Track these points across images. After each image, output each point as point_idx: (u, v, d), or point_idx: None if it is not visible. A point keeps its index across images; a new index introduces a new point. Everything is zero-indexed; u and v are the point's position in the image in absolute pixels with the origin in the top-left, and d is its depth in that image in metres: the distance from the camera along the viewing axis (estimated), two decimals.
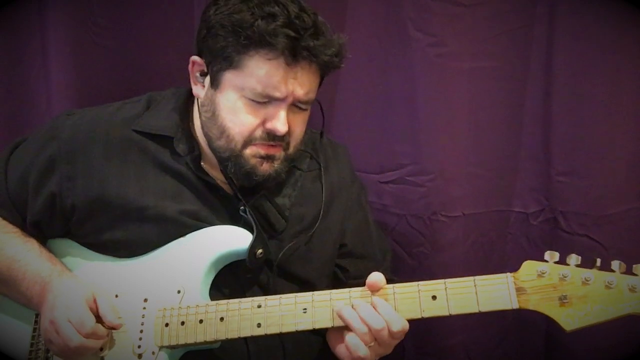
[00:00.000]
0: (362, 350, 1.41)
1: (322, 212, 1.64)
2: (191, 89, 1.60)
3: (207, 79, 1.54)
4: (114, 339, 1.51)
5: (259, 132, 1.51)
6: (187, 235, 1.56)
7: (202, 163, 1.60)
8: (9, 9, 1.98)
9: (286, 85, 1.47)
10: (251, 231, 1.54)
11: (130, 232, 1.56)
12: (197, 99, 1.60)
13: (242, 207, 1.56)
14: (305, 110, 1.55)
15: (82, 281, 1.54)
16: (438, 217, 1.98)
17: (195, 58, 1.56)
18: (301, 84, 1.48)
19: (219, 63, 1.49)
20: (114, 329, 1.50)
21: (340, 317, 1.43)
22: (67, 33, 2.00)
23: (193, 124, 1.63)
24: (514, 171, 1.98)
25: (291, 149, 1.56)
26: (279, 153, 1.54)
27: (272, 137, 1.51)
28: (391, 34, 1.94)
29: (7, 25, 2.01)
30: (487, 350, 2.04)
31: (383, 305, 1.42)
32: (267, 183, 1.57)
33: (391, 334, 1.41)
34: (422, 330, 2.02)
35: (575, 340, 1.95)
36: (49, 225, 1.63)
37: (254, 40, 1.43)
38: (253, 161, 1.52)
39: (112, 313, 1.49)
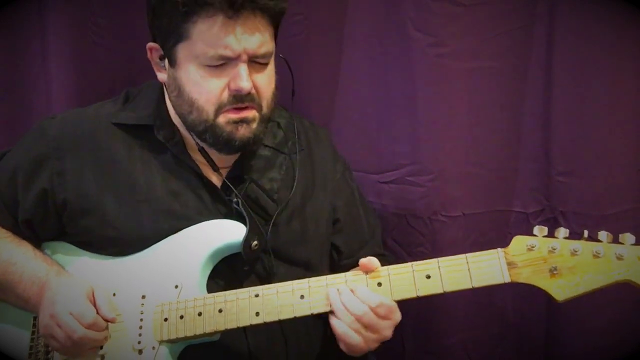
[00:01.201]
0: (353, 337, 1.41)
1: (293, 189, 1.64)
2: None
3: (166, 60, 1.55)
4: (113, 336, 1.52)
5: (225, 96, 1.50)
6: (182, 231, 1.56)
7: (187, 150, 1.62)
8: (9, 9, 1.98)
9: (236, 41, 1.45)
10: (244, 222, 1.55)
11: (123, 226, 1.57)
12: (164, 85, 1.61)
13: (235, 200, 1.57)
14: (266, 64, 1.54)
15: (80, 278, 1.55)
16: (438, 217, 1.98)
17: (151, 44, 1.57)
18: (250, 36, 1.46)
19: (170, 40, 1.50)
20: (109, 322, 1.50)
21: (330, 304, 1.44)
22: (67, 33, 2.00)
23: (169, 112, 1.63)
24: (514, 171, 1.98)
25: (264, 109, 1.55)
26: (252, 114, 1.53)
27: (240, 99, 1.50)
28: (391, 34, 1.94)
29: (7, 26, 2.01)
30: (487, 350, 2.04)
31: (360, 288, 1.43)
32: (248, 148, 1.57)
33: (377, 314, 1.41)
34: (422, 329, 2.03)
35: (575, 340, 1.95)
36: (42, 224, 1.63)
37: (191, 6, 1.43)
38: (228, 128, 1.52)
39: (108, 306, 1.50)
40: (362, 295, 1.42)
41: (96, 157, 1.60)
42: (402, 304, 2.00)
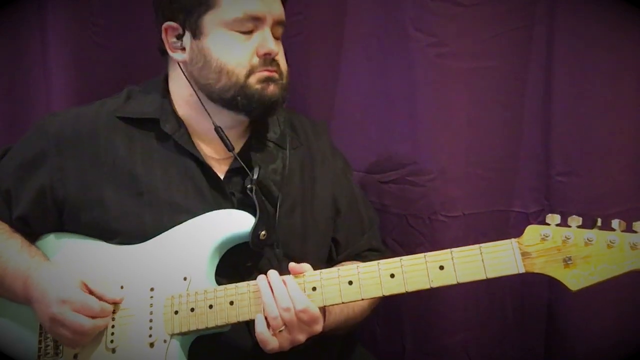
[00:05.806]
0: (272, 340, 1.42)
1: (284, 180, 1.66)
2: (166, 75, 1.66)
3: (186, 37, 1.59)
4: (124, 329, 1.51)
5: (255, 60, 1.57)
6: (188, 221, 1.56)
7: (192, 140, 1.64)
8: (9, 9, 1.98)
9: (263, 4, 1.57)
10: (250, 211, 1.55)
11: (124, 220, 1.57)
12: (172, 80, 1.64)
13: (249, 186, 1.58)
14: (279, 39, 1.63)
15: (61, 269, 1.54)
16: (438, 217, 1.98)
17: (167, 24, 1.60)
18: (273, 2, 1.59)
19: (195, 12, 1.56)
20: (116, 303, 1.51)
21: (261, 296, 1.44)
22: (67, 33, 2.01)
23: (175, 105, 1.66)
24: (514, 171, 1.97)
25: (284, 79, 1.62)
26: (278, 75, 1.60)
27: (269, 62, 1.57)
28: (391, 34, 1.94)
29: (7, 25, 2.01)
30: (487, 350, 2.04)
31: (291, 283, 1.44)
32: (277, 108, 1.62)
33: (296, 314, 1.41)
34: (421, 329, 2.03)
35: (576, 341, 1.95)
36: (41, 220, 1.63)
37: None
38: (258, 86, 1.57)
39: (110, 291, 1.51)
40: (292, 290, 1.43)
41: (96, 152, 1.61)
42: (403, 304, 2.02)
